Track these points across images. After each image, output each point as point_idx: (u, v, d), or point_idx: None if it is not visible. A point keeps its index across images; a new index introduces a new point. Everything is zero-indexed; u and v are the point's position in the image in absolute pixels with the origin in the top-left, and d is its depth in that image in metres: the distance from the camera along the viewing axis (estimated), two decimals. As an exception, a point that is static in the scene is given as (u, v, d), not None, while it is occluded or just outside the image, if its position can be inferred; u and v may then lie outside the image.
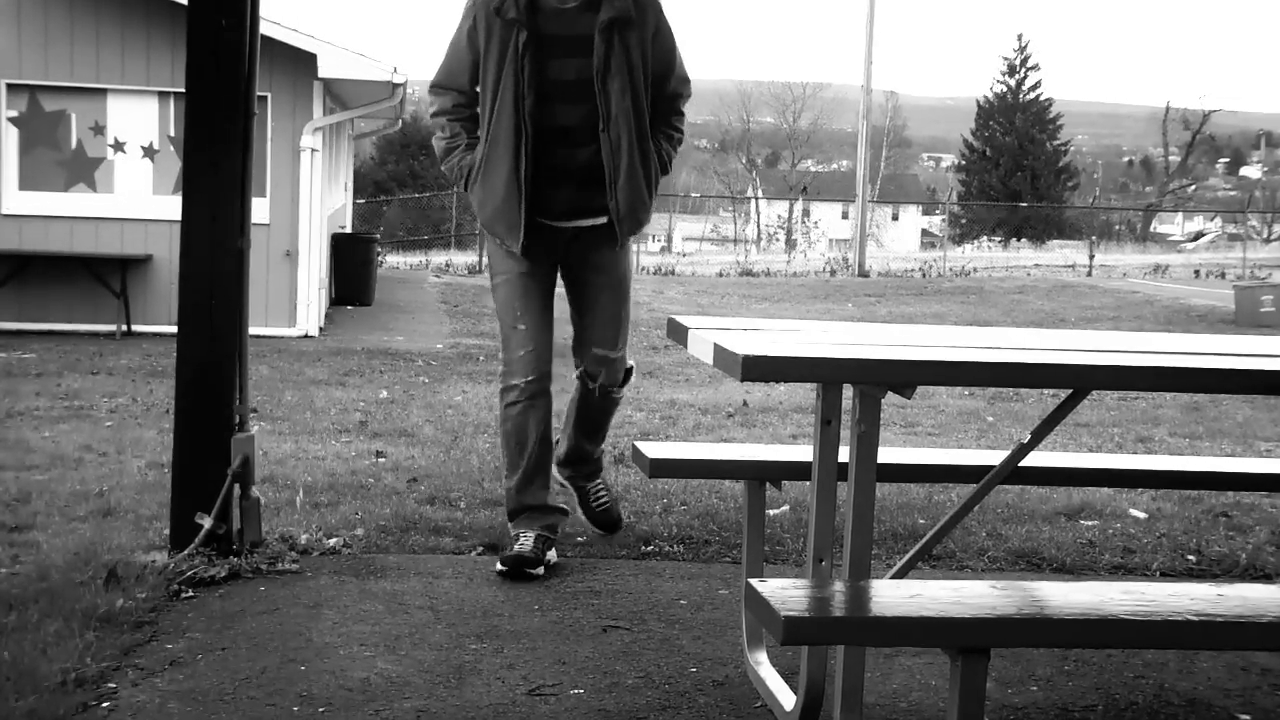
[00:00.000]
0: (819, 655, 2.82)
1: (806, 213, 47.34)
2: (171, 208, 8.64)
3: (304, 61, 11.91)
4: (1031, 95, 62.13)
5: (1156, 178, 78.15)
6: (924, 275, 27.27)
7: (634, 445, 3.49)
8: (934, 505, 5.07)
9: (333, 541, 4.30)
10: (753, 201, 56.02)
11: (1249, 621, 2.26)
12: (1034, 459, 3.35)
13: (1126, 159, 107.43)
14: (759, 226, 50.63)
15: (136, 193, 12.00)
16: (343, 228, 17.72)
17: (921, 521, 4.81)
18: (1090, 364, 2.57)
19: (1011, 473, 3.06)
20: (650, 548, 4.42)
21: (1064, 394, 2.83)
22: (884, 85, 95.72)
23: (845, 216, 54.64)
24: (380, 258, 19.77)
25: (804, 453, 3.34)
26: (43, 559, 4.00)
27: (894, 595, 2.29)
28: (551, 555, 4.12)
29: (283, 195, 12.10)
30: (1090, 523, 4.96)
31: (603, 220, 4.09)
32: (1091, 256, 30.55)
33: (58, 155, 11.92)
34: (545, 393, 4.13)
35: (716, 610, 3.77)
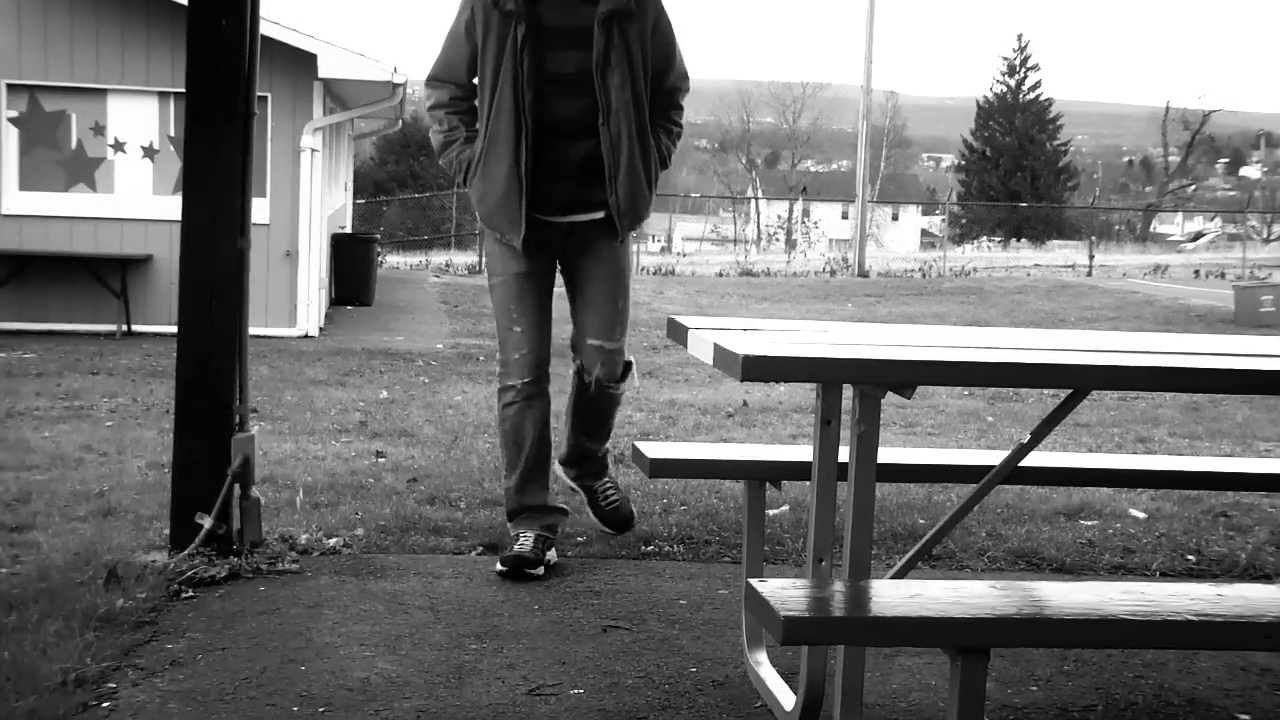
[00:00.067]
0: (819, 655, 2.82)
1: (806, 213, 47.34)
2: (171, 208, 8.66)
3: (304, 61, 11.91)
4: (1031, 95, 62.17)
5: (1156, 178, 78.16)
6: (924, 275, 27.28)
7: (634, 445, 3.49)
8: (934, 505, 5.07)
9: (333, 541, 4.30)
10: (753, 202, 56.02)
11: (1249, 621, 2.26)
12: (1034, 459, 3.36)
13: (1126, 159, 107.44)
14: (759, 227, 50.63)
15: (136, 193, 12.00)
16: (343, 228, 17.72)
17: (921, 521, 4.81)
18: (1090, 364, 2.57)
19: (1011, 473, 3.06)
20: (650, 548, 4.42)
21: (1064, 394, 2.83)
22: (884, 85, 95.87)
23: (845, 216, 54.65)
24: (380, 258, 19.77)
25: (804, 453, 3.34)
26: (43, 559, 4.01)
27: (894, 595, 2.29)
28: (551, 555, 4.12)
29: (283, 195, 12.10)
30: (1090, 523, 4.96)
31: (601, 215, 4.06)
32: (1091, 257, 30.56)
33: (58, 155, 11.92)
34: (543, 393, 4.13)
35: (716, 610, 3.77)
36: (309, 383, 8.91)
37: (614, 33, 3.93)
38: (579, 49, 3.94)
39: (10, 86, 11.80)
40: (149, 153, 12.03)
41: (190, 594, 3.72)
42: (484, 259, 4.35)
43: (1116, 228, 59.92)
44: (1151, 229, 67.74)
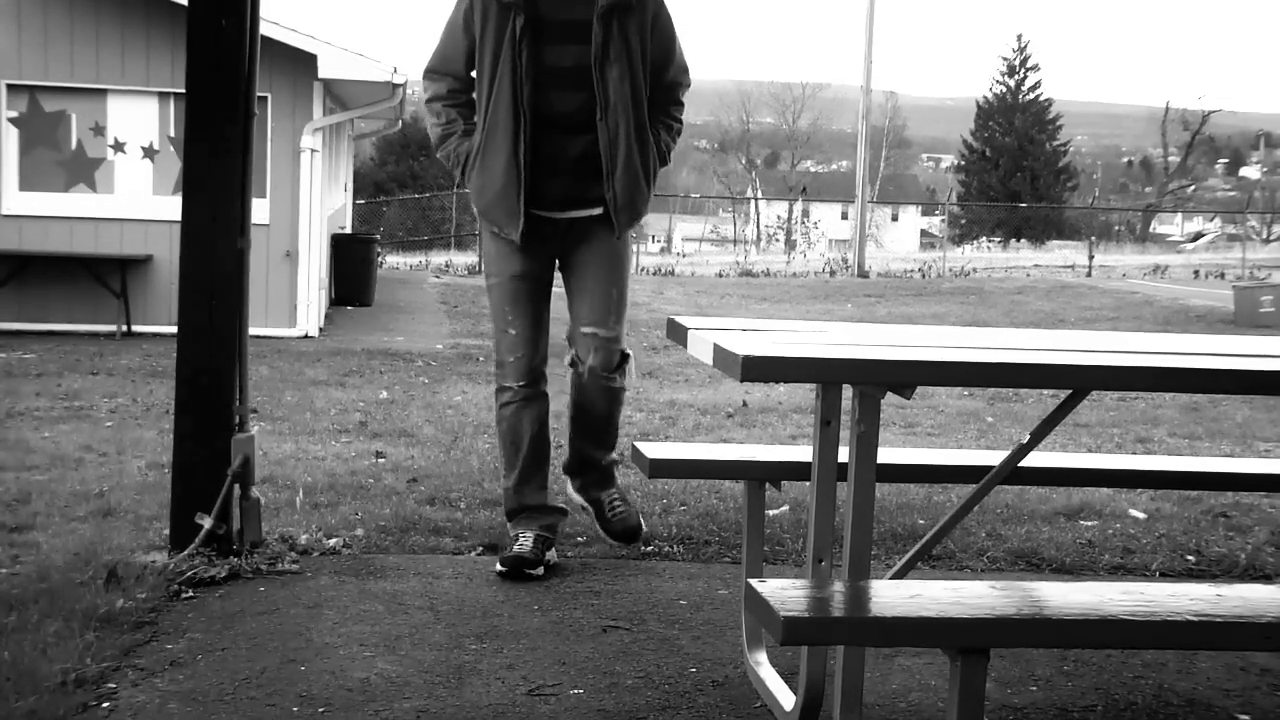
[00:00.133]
0: (819, 655, 2.82)
1: (806, 213, 47.31)
2: (171, 208, 8.66)
3: (304, 62, 11.91)
4: (1031, 96, 62.20)
5: (1156, 178, 78.18)
6: (923, 276, 27.28)
7: (634, 445, 3.49)
8: (934, 505, 5.07)
9: (333, 542, 4.30)
10: (752, 202, 56.01)
11: (1249, 621, 2.26)
12: (1033, 459, 3.36)
13: (1126, 159, 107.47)
14: (758, 227, 50.62)
15: (136, 193, 12.00)
16: (343, 228, 17.72)
17: (921, 522, 4.81)
18: (1089, 364, 2.57)
19: (1011, 473, 3.06)
20: (650, 548, 4.42)
21: (1063, 394, 2.83)
22: (884, 85, 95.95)
23: (845, 217, 54.64)
24: (380, 258, 19.77)
25: (804, 453, 3.34)
26: (43, 559, 4.01)
27: (894, 595, 2.29)
28: (551, 555, 4.12)
29: (283, 195, 12.10)
30: (1090, 523, 4.96)
31: (599, 211, 4.01)
32: (1091, 257, 30.56)
33: (58, 155, 11.92)
34: (540, 394, 4.12)
35: (716, 610, 3.77)
36: (309, 383, 8.91)
37: (613, 26, 3.90)
38: (578, 42, 3.90)
39: (10, 87, 11.80)
40: (149, 153, 12.03)
41: (190, 594, 3.72)
42: (482, 258, 4.31)
43: (1116, 228, 59.94)
44: (1151, 229, 67.77)
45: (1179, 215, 76.89)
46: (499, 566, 4.04)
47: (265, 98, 11.27)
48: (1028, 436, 2.87)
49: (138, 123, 12.00)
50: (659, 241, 47.99)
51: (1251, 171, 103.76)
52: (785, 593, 2.25)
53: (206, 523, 3.92)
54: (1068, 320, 17.69)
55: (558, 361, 4.22)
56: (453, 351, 11.50)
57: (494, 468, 5.47)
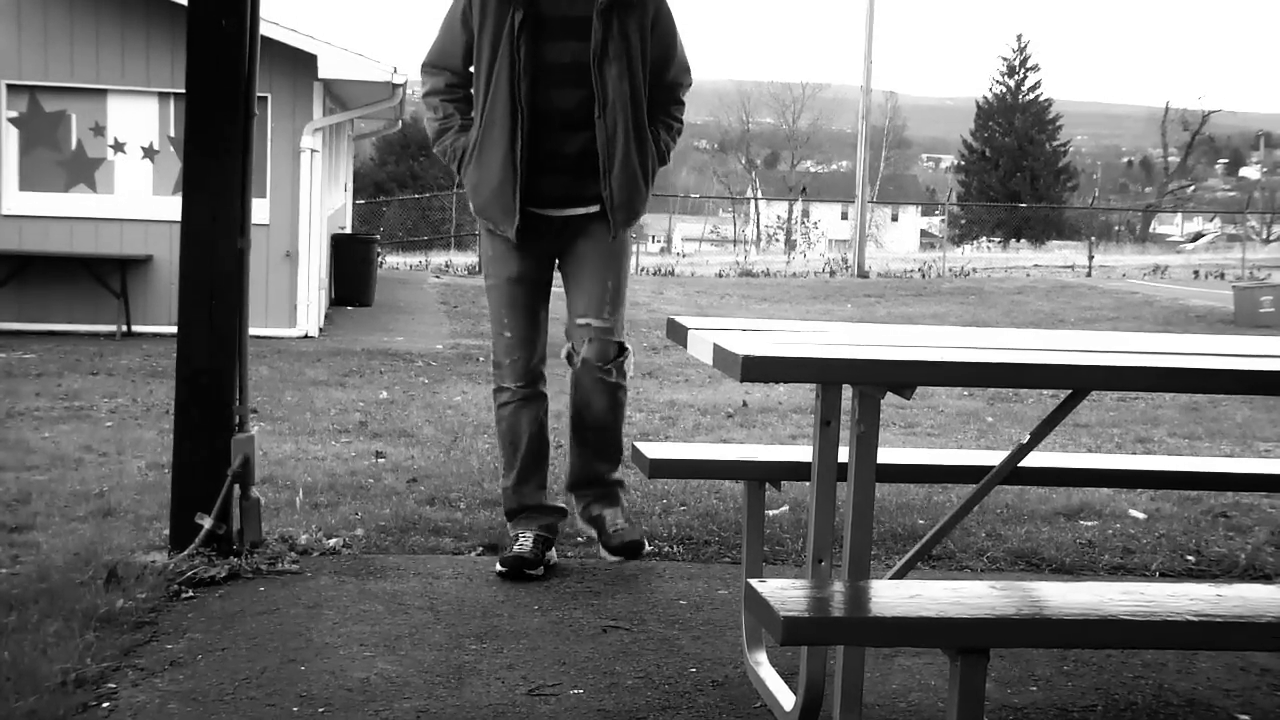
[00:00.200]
0: (819, 655, 2.82)
1: (806, 213, 47.31)
2: (171, 208, 8.66)
3: (304, 62, 11.91)
4: (1031, 96, 62.21)
5: (1156, 178, 78.18)
6: (923, 276, 27.28)
7: (634, 445, 3.49)
8: (933, 505, 5.08)
9: (333, 542, 4.30)
10: (752, 202, 56.00)
11: (1249, 621, 2.26)
12: (1033, 459, 3.36)
13: (1126, 159, 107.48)
14: (758, 227, 50.62)
15: (136, 193, 12.01)
16: (343, 228, 17.72)
17: (921, 522, 4.81)
18: (1089, 364, 2.58)
19: (1011, 473, 3.06)
20: (650, 548, 4.42)
21: (1063, 395, 2.83)
22: (883, 85, 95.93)
23: (844, 217, 54.65)
24: (380, 258, 19.77)
25: (804, 453, 3.34)
26: (43, 559, 4.01)
27: (893, 595, 2.30)
28: (551, 555, 4.12)
29: (283, 196, 12.10)
30: (1090, 523, 4.96)
31: (596, 209, 3.98)
32: (1091, 257, 30.56)
33: (58, 156, 11.92)
34: (538, 394, 4.10)
35: (716, 610, 3.77)
36: (309, 383, 8.91)
37: (613, 24, 3.87)
38: (577, 39, 3.87)
39: (10, 87, 11.80)
40: (149, 153, 12.03)
41: (190, 594, 3.72)
42: (481, 258, 4.28)
43: (1116, 228, 59.95)
44: (1151, 229, 67.79)
45: (1179, 215, 76.91)
46: (499, 566, 4.04)
47: (265, 98, 11.27)
48: (1028, 436, 2.87)
49: (138, 123, 12.00)
50: (659, 241, 47.99)
51: (1251, 171, 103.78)
52: (785, 593, 2.25)
53: (206, 523, 3.92)
54: (1068, 320, 17.69)
55: (559, 361, 4.22)
56: (453, 351, 11.50)
57: (494, 468, 5.47)
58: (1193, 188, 75.17)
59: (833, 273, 28.34)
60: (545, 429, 4.14)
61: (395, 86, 12.65)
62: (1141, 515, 5.09)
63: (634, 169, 3.96)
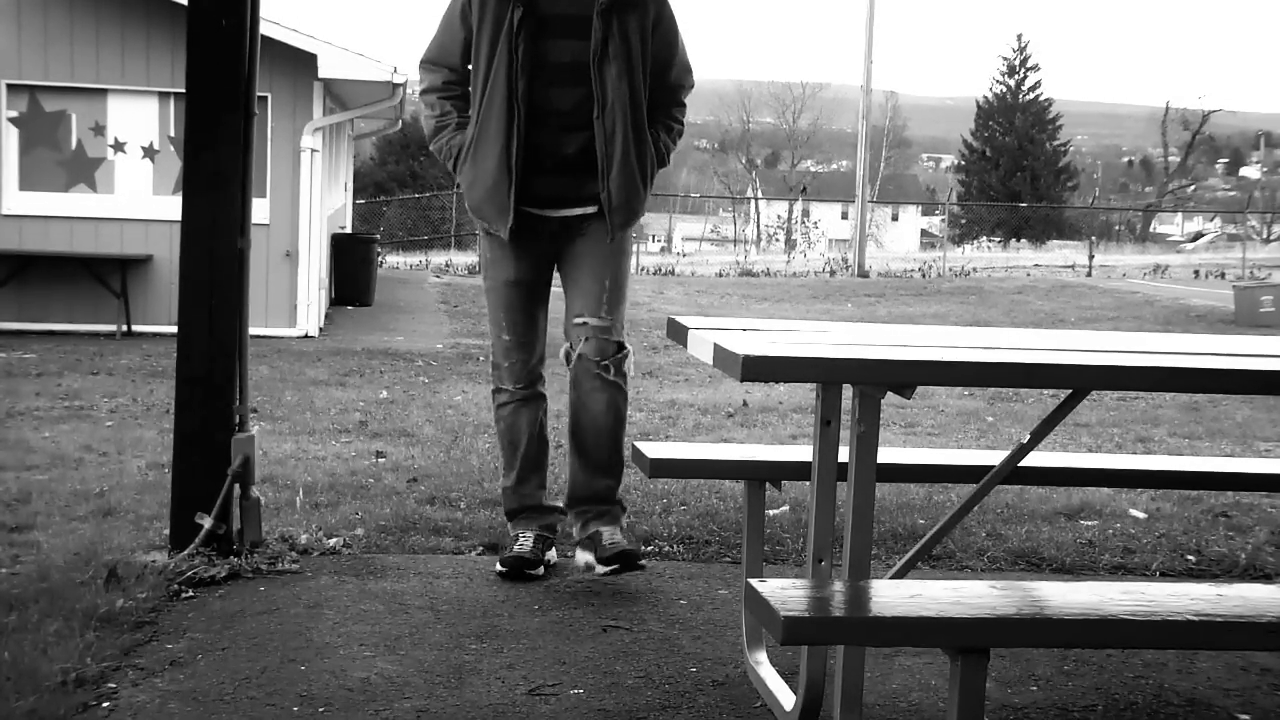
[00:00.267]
0: (819, 655, 2.82)
1: (806, 213, 47.33)
2: (171, 208, 8.66)
3: (304, 61, 11.91)
4: (1031, 95, 62.20)
5: (1156, 178, 78.20)
6: (923, 275, 27.28)
7: (634, 445, 3.49)
8: (934, 505, 5.07)
9: (333, 541, 4.30)
10: (752, 202, 56.03)
11: (1249, 621, 2.26)
12: (1034, 459, 3.36)
13: (1126, 159, 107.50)
14: (759, 227, 50.63)
15: (136, 193, 12.01)
16: (343, 228, 17.73)
17: (921, 521, 4.81)
18: (1089, 364, 2.57)
19: (1011, 473, 3.06)
20: (650, 548, 4.42)
21: (1063, 394, 2.83)
22: (884, 85, 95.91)
23: (845, 217, 54.67)
24: (380, 258, 19.78)
25: (804, 453, 3.34)
26: (43, 559, 4.01)
27: (894, 595, 2.30)
28: (551, 555, 4.12)
29: (283, 195, 12.11)
30: (1090, 523, 4.96)
31: (593, 210, 3.93)
32: (1091, 257, 30.57)
33: (58, 155, 11.93)
34: (537, 395, 4.08)
35: (716, 610, 3.77)
36: (309, 383, 8.91)
37: (613, 24, 3.83)
38: (577, 38, 3.84)
39: (10, 86, 11.80)
40: (149, 153, 12.03)
41: (190, 594, 3.72)
42: (479, 260, 4.24)
43: (1116, 228, 60.01)
44: (1151, 229, 67.82)
45: (1179, 215, 76.92)
46: (499, 566, 4.03)
47: (265, 98, 11.27)
48: (1028, 436, 2.87)
49: (138, 122, 12.00)
50: (659, 241, 48.03)
51: (1251, 171, 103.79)
52: (785, 593, 2.25)
53: (207, 522, 3.92)
54: (1068, 320, 17.69)
55: (560, 361, 4.21)
56: (453, 351, 11.51)
57: (494, 467, 5.47)
58: (1193, 187, 75.20)
59: (833, 272, 28.34)
60: (545, 429, 4.13)
61: (395, 86, 12.65)
62: (1142, 515, 5.09)
63: (632, 170, 3.91)
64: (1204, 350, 2.86)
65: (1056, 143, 62.08)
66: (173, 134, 11.94)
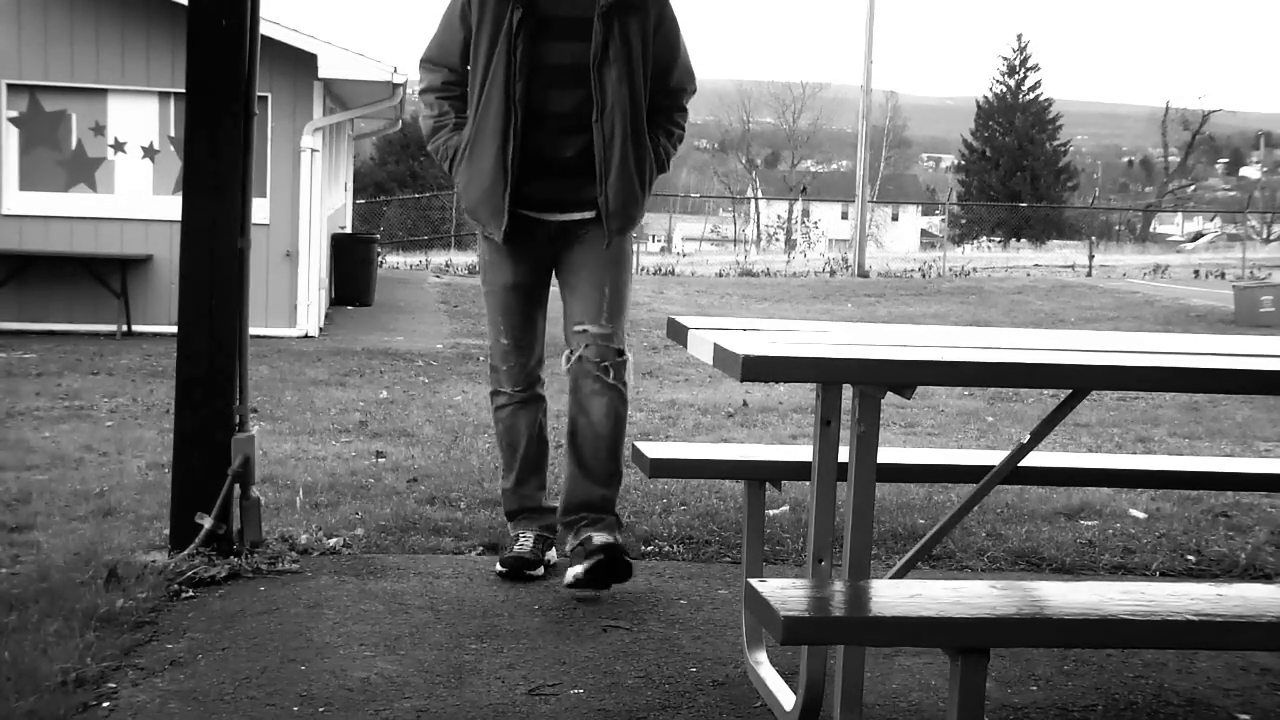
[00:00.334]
0: (819, 655, 2.82)
1: (806, 213, 47.34)
2: (171, 208, 8.66)
3: (304, 61, 11.91)
4: (1031, 95, 62.21)
5: (1156, 178, 78.21)
6: (923, 275, 27.28)
7: (634, 445, 3.49)
8: (934, 505, 5.08)
9: (333, 541, 4.30)
10: (752, 202, 56.03)
11: (1249, 621, 2.26)
12: (1034, 459, 3.36)
13: (1126, 159, 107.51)
14: (759, 227, 50.64)
15: (136, 193, 12.01)
16: (343, 228, 17.73)
17: (921, 521, 4.81)
18: (1089, 364, 2.58)
19: (1011, 473, 3.06)
20: (650, 548, 4.42)
21: (1063, 394, 2.83)
22: (884, 85, 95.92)
23: (845, 217, 54.69)
24: (380, 258, 19.78)
25: (804, 453, 3.34)
26: (43, 559, 4.01)
27: (894, 595, 2.30)
28: (551, 555, 4.12)
29: (283, 195, 12.11)
30: (1090, 523, 4.96)
31: (591, 214, 3.89)
32: (1091, 257, 30.57)
33: (58, 155, 11.93)
34: (536, 398, 4.06)
35: (716, 610, 3.77)
36: (309, 383, 8.91)
37: (614, 26, 3.79)
38: (577, 40, 3.80)
39: (10, 86, 11.80)
40: (149, 153, 12.03)
41: (190, 594, 3.72)
42: (478, 263, 4.21)
43: (1116, 228, 60.03)
44: (1151, 229, 67.83)
45: (1179, 215, 76.93)
46: (499, 567, 4.03)
47: (265, 98, 11.27)
48: (1028, 436, 2.87)
49: (138, 122, 12.00)
50: (659, 241, 48.03)
51: (1251, 171, 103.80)
52: (785, 592, 2.25)
53: (207, 522, 3.92)
54: (1068, 320, 17.69)
55: (559, 362, 4.20)
56: (453, 351, 11.51)
57: (494, 467, 5.47)
58: (1193, 187, 75.19)
59: (833, 272, 28.34)
60: (544, 430, 4.11)
61: (395, 86, 12.65)
62: (1141, 515, 5.09)
63: (630, 175, 3.86)
64: (1204, 350, 2.86)
65: (1056, 143, 62.08)
66: (173, 134, 11.94)
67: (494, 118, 3.80)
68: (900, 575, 2.99)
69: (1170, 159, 72.22)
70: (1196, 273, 29.19)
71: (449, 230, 35.39)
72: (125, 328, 11.73)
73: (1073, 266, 30.63)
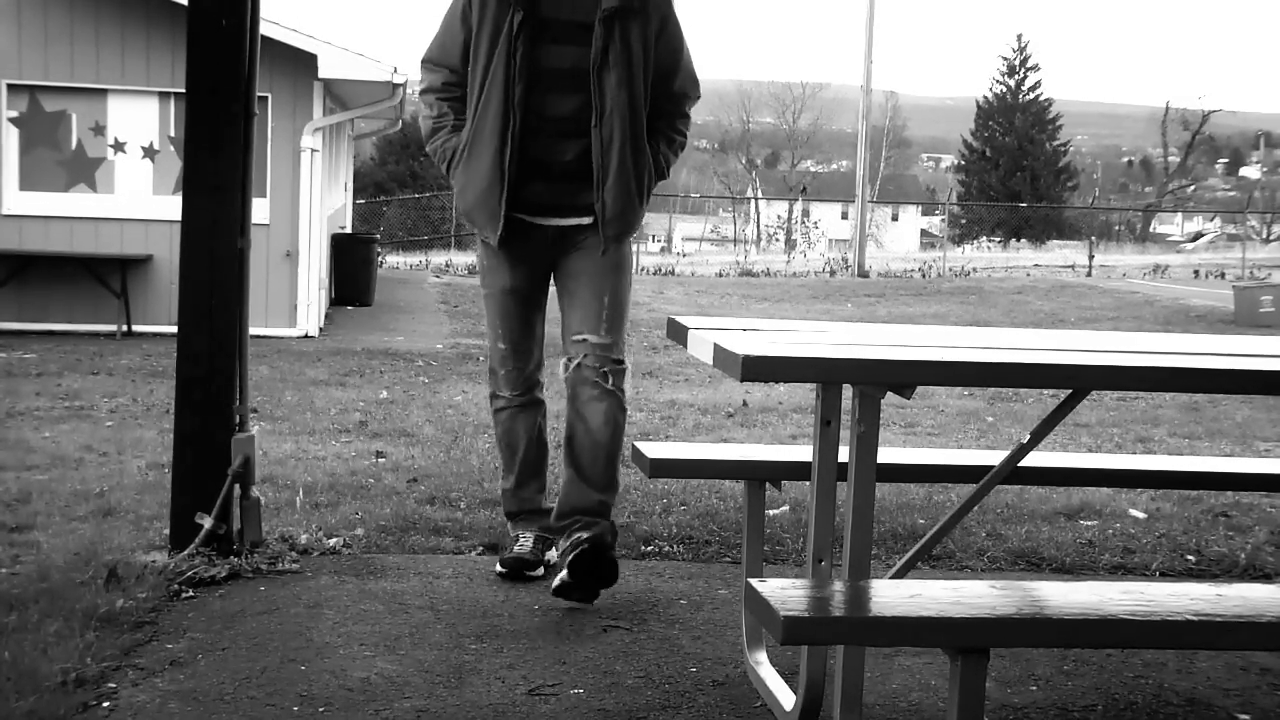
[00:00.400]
0: (819, 655, 2.82)
1: (806, 213, 47.32)
2: (171, 208, 8.66)
3: (304, 61, 11.91)
4: (1031, 95, 62.20)
5: (1156, 178, 78.22)
6: (923, 276, 27.28)
7: (634, 445, 3.49)
8: (934, 505, 5.08)
9: (333, 541, 4.30)
10: (752, 202, 56.02)
11: (1249, 621, 2.26)
12: (1034, 459, 3.36)
13: (1126, 159, 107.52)
14: (759, 227, 50.64)
15: (136, 193, 12.01)
16: (343, 228, 17.72)
17: (921, 521, 4.81)
18: (1089, 364, 2.58)
19: (1011, 473, 3.06)
20: (650, 548, 4.42)
21: (1063, 394, 2.83)
22: (884, 85, 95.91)
23: (845, 217, 54.69)
24: (380, 258, 19.78)
25: (804, 453, 3.34)
26: (43, 559, 4.01)
27: (894, 595, 2.30)
28: (551, 555, 4.11)
29: (283, 195, 12.11)
30: (1090, 523, 4.96)
31: (588, 220, 3.85)
32: (1091, 257, 30.56)
33: (58, 155, 11.92)
34: (534, 402, 4.04)
35: (716, 610, 3.77)
36: (309, 383, 8.91)
37: (615, 31, 3.75)
38: (577, 44, 3.76)
39: (10, 86, 11.80)
40: (149, 153, 12.03)
41: (190, 594, 3.72)
42: (478, 266, 4.18)
43: (1116, 228, 60.03)
44: (1151, 229, 67.84)
45: (1179, 215, 76.94)
46: (499, 567, 4.03)
47: (265, 98, 11.26)
48: (1028, 436, 2.87)
49: (138, 122, 12.00)
50: (659, 241, 48.02)
51: (1251, 171, 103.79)
52: (785, 593, 2.25)
53: (207, 522, 3.92)
54: (1068, 320, 17.69)
55: (558, 364, 4.20)
56: (453, 351, 11.51)
57: (494, 467, 5.47)
58: (1193, 187, 75.18)
59: (833, 272, 28.34)
60: (543, 433, 4.10)
61: (395, 86, 12.65)
62: (1141, 515, 5.09)
63: (629, 181, 3.82)
64: (1204, 350, 2.86)
65: (1056, 143, 62.07)
66: (173, 134, 11.94)
67: (492, 120, 3.77)
68: (900, 575, 2.99)
69: (1170, 159, 72.21)
70: (1196, 273, 29.19)
71: (449, 230, 35.39)
72: (125, 328, 11.73)
73: (1073, 267, 30.63)
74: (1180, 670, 3.40)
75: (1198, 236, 67.38)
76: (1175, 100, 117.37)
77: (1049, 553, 4.49)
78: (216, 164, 3.98)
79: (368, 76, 12.32)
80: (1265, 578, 4.36)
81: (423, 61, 3.99)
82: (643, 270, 26.07)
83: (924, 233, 68.47)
